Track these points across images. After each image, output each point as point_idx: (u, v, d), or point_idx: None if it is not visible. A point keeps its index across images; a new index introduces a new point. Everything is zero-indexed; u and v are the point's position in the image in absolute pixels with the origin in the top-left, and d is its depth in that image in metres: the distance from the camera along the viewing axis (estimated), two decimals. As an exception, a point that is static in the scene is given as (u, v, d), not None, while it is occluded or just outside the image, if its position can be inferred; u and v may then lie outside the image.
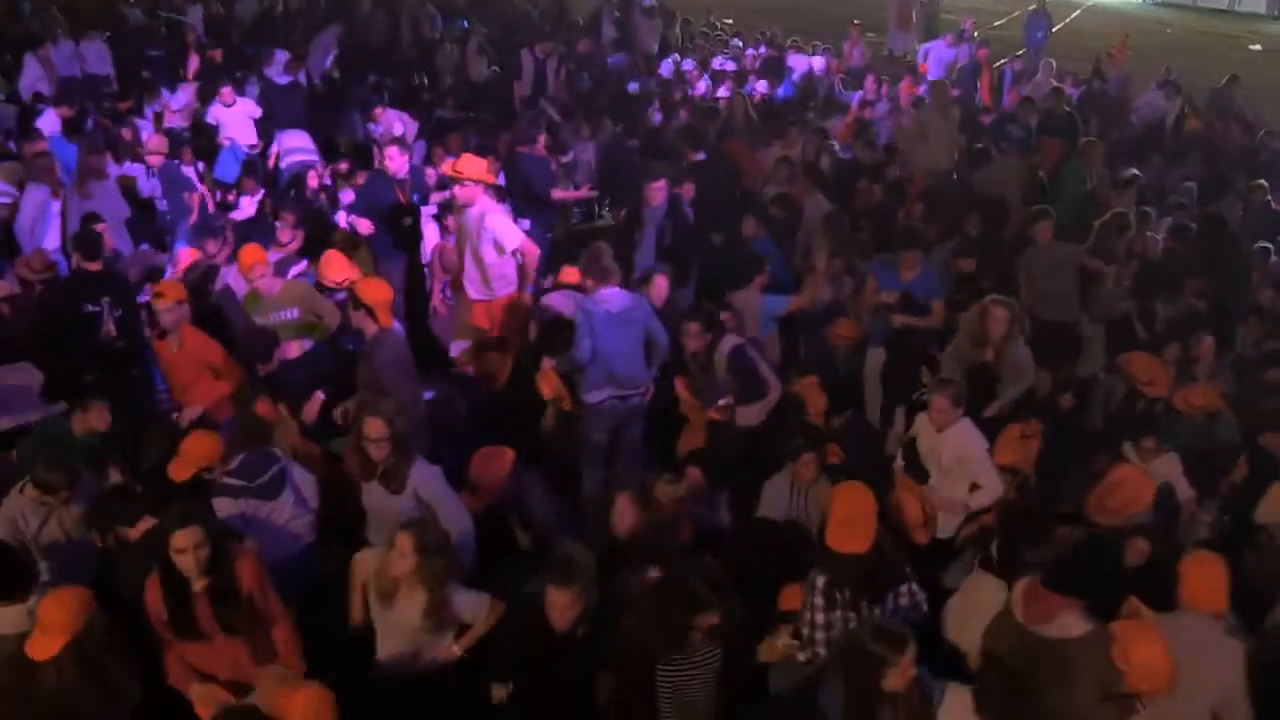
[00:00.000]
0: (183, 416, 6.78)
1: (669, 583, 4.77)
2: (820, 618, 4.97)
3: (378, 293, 6.64)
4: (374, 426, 5.48)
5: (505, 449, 6.28)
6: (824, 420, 7.03)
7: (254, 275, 7.49)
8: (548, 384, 7.20)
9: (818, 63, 16.61)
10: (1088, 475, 6.27)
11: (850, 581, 4.96)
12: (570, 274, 8.00)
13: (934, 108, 12.28)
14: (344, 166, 10.84)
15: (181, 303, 6.86)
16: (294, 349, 7.44)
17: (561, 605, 4.64)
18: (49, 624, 4.32)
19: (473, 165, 8.13)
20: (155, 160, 10.19)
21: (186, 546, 4.55)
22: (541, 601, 4.70)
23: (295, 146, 11.76)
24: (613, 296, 7.02)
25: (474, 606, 5.05)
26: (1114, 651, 4.54)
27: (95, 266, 7.70)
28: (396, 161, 8.89)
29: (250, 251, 7.63)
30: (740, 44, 18.21)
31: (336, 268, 7.81)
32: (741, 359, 7.25)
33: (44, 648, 4.31)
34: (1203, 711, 4.74)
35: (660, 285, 7.74)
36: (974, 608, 5.11)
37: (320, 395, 6.99)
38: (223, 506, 5.54)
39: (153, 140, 9.93)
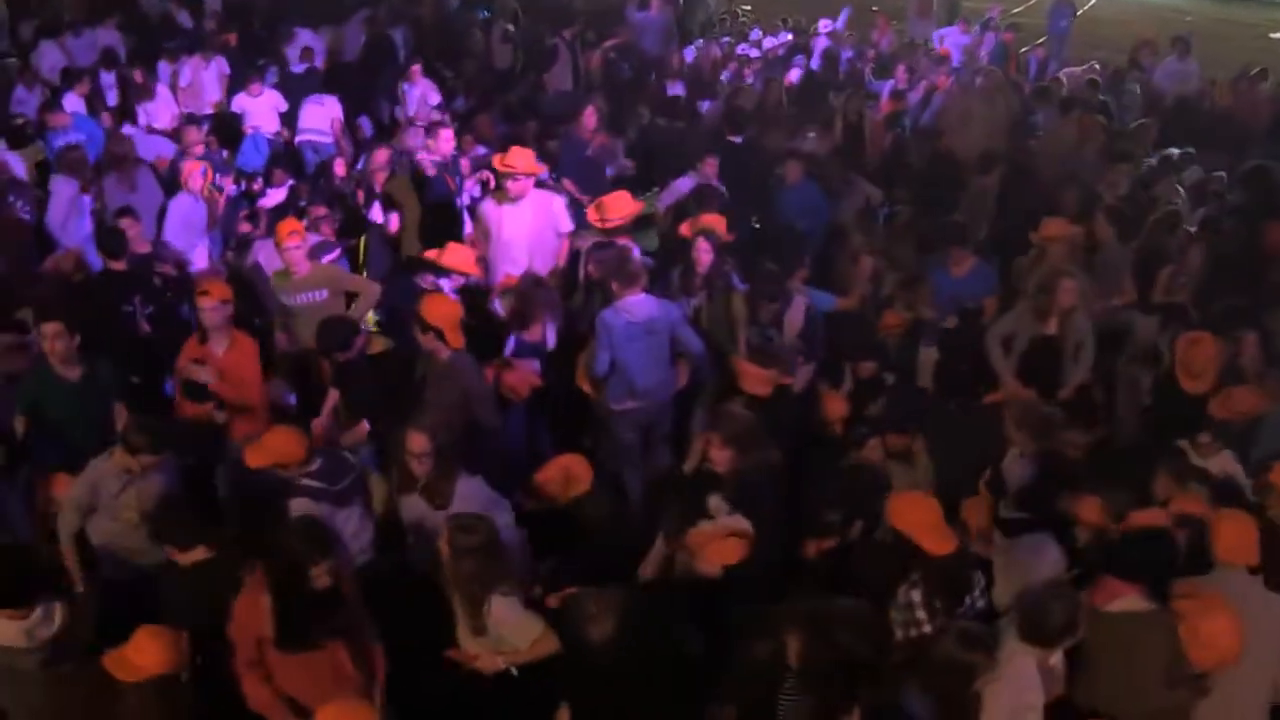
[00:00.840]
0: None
1: (817, 620, 4.55)
2: (928, 631, 4.87)
3: (445, 311, 6.40)
4: (417, 441, 5.37)
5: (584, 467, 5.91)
6: (843, 427, 6.74)
7: (287, 244, 7.22)
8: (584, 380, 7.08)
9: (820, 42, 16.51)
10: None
11: (944, 586, 4.92)
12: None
13: (980, 93, 12.10)
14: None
15: (227, 301, 6.57)
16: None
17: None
18: (143, 649, 4.30)
19: (524, 158, 8.00)
20: (198, 151, 10.00)
21: (322, 573, 4.54)
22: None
23: (309, 127, 11.77)
24: (636, 305, 6.81)
25: (517, 628, 4.82)
26: (1182, 628, 4.51)
27: (120, 265, 7.52)
28: (448, 144, 8.74)
29: (289, 223, 7.47)
30: (759, 34, 17.99)
31: (457, 257, 7.54)
32: (813, 319, 7.23)
33: (134, 671, 4.28)
34: (1265, 679, 4.74)
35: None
36: (1034, 575, 5.08)
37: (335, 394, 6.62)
38: (299, 508, 5.35)
39: (190, 132, 9.74)
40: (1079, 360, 7.30)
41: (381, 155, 9.88)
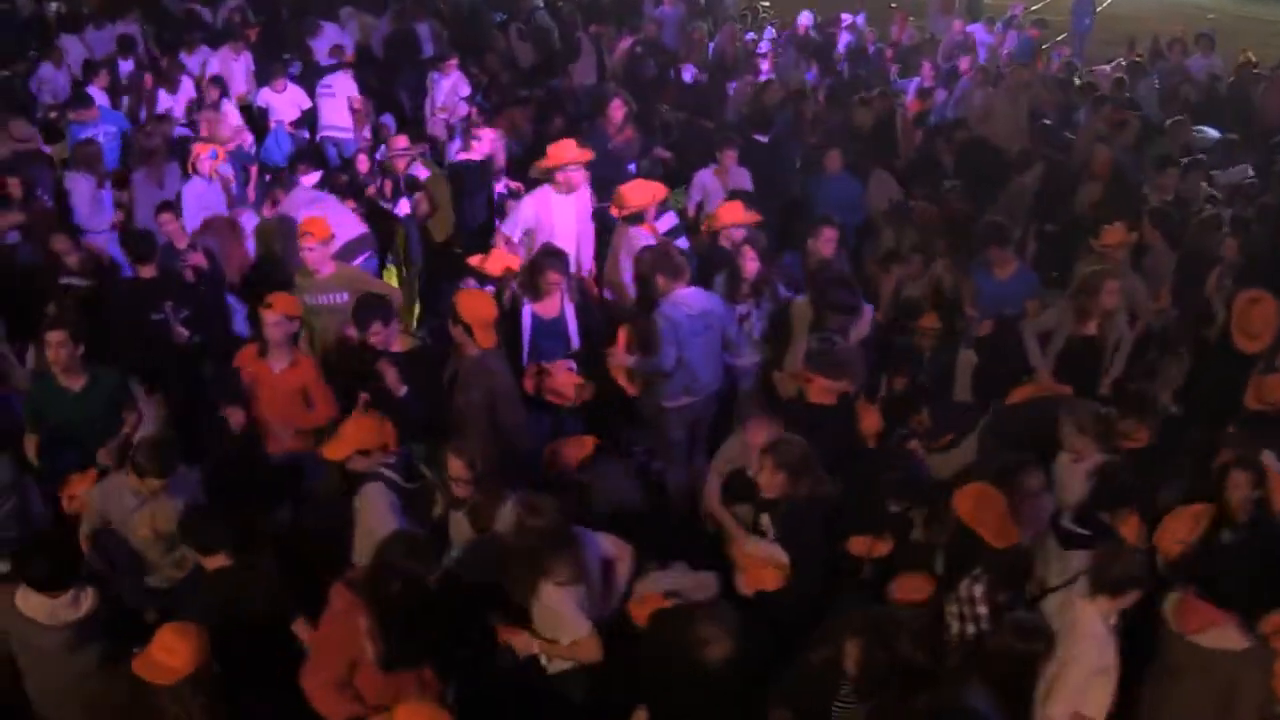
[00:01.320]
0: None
1: (875, 627, 4.57)
2: (987, 627, 4.87)
3: (480, 308, 6.30)
4: (456, 467, 5.30)
5: (585, 439, 6.06)
6: (877, 441, 6.57)
7: (306, 244, 7.09)
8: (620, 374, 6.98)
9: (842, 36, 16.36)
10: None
11: (1008, 580, 4.95)
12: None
13: (1004, 91, 11.98)
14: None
15: (292, 317, 6.39)
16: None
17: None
18: (172, 649, 4.25)
19: (572, 149, 8.00)
20: (232, 146, 9.92)
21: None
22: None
23: (330, 123, 11.69)
24: (691, 297, 6.76)
25: (563, 622, 4.80)
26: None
27: (149, 271, 7.40)
28: (490, 144, 8.93)
29: (309, 222, 7.30)
30: (774, 32, 17.83)
31: (502, 263, 7.40)
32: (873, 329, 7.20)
33: (167, 673, 4.22)
34: None
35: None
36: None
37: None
38: (372, 492, 5.29)
39: (224, 129, 9.65)
40: (1115, 360, 7.29)
41: (400, 141, 9.77)
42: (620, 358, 6.99)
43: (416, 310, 9.08)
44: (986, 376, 7.66)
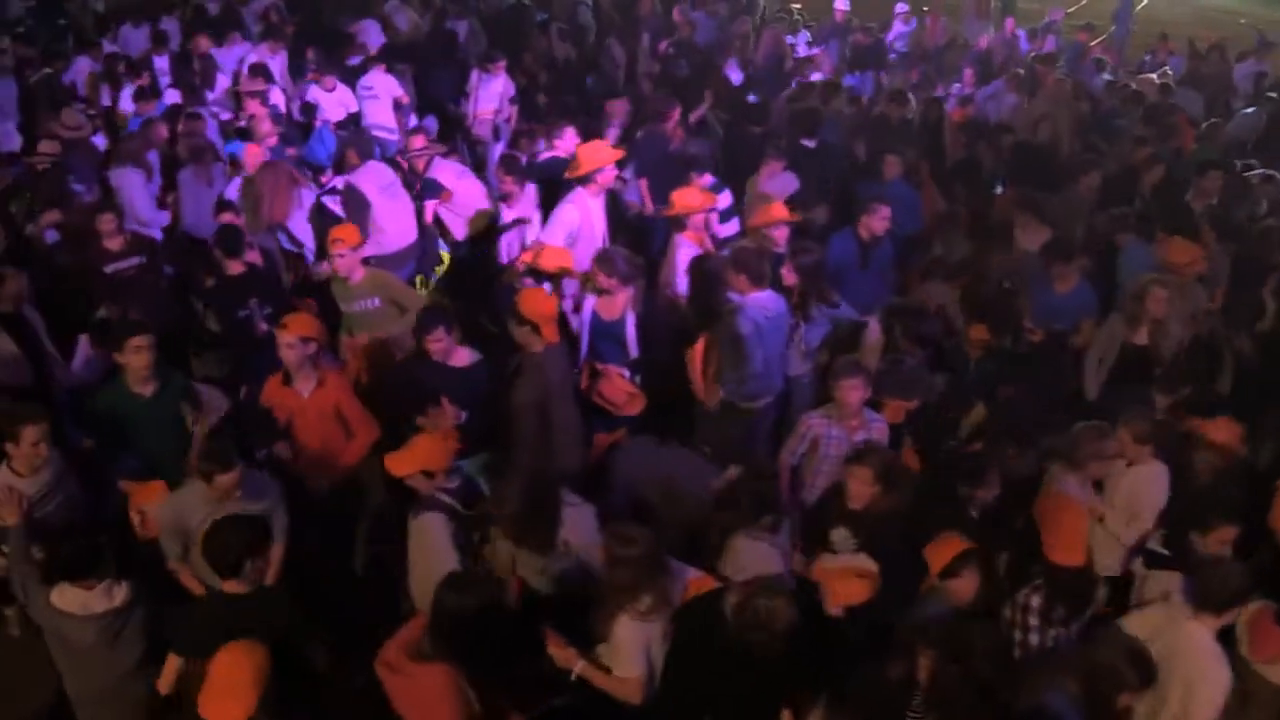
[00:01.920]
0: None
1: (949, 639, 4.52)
2: (1034, 638, 4.93)
3: (543, 305, 6.24)
4: (498, 501, 5.15)
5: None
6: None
7: (336, 251, 6.99)
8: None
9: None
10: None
11: (1068, 597, 4.93)
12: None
13: (1051, 98, 11.86)
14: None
15: (308, 339, 6.08)
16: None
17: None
18: (235, 683, 4.09)
19: (606, 151, 8.00)
20: (272, 142, 9.81)
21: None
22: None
23: (374, 123, 11.55)
24: (768, 301, 6.76)
25: (621, 655, 4.70)
26: None
27: (239, 267, 7.36)
28: (572, 142, 8.81)
29: (339, 229, 7.21)
30: (809, 36, 17.68)
31: (556, 259, 7.34)
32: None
33: (232, 713, 4.07)
34: None
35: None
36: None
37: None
38: (431, 523, 5.11)
39: (264, 124, 9.57)
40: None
41: (417, 141, 9.63)
42: (699, 361, 6.98)
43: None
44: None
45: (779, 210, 7.79)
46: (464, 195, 9.19)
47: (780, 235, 7.60)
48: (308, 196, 9.05)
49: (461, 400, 6.09)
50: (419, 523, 5.15)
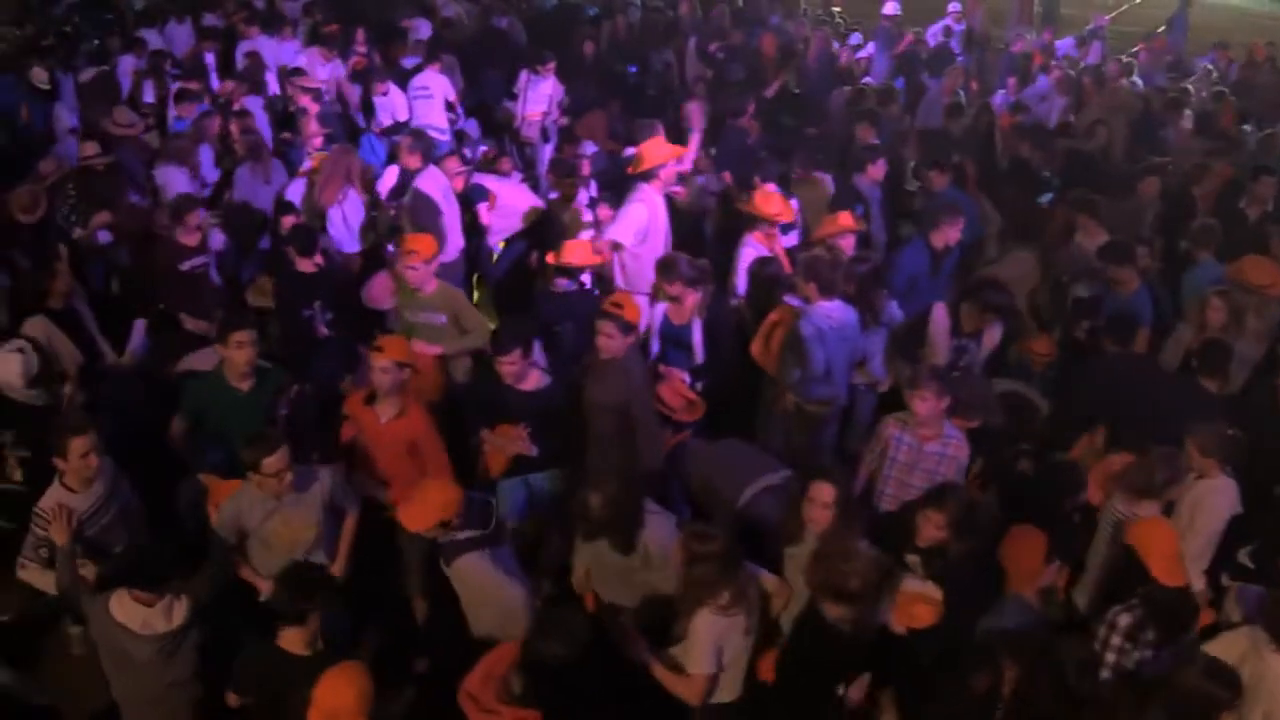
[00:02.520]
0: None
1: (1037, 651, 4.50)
2: (1114, 657, 4.83)
3: (631, 307, 6.19)
4: (594, 500, 5.06)
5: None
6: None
7: (408, 263, 6.87)
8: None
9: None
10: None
11: (1163, 619, 4.83)
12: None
13: (1107, 104, 11.72)
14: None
15: (404, 365, 5.93)
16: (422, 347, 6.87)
17: None
18: (341, 710, 4.04)
19: (669, 147, 8.00)
20: (317, 143, 9.78)
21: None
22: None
23: (425, 124, 11.33)
24: (835, 310, 6.71)
25: (694, 650, 4.68)
26: None
27: (309, 266, 7.32)
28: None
29: (412, 239, 7.07)
30: (860, 39, 17.53)
31: (578, 253, 7.26)
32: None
33: None
34: None
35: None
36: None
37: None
38: (474, 565, 4.99)
39: (311, 124, 9.53)
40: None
41: (453, 164, 9.18)
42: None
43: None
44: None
45: (846, 219, 7.74)
46: (507, 198, 9.14)
47: (848, 244, 7.57)
48: (354, 197, 8.92)
49: (532, 424, 5.99)
50: (457, 570, 5.05)
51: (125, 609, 4.69)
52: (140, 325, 7.57)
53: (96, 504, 5.32)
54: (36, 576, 5.30)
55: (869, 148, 9.63)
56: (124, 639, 4.71)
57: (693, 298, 6.91)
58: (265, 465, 5.09)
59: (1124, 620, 4.86)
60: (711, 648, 4.66)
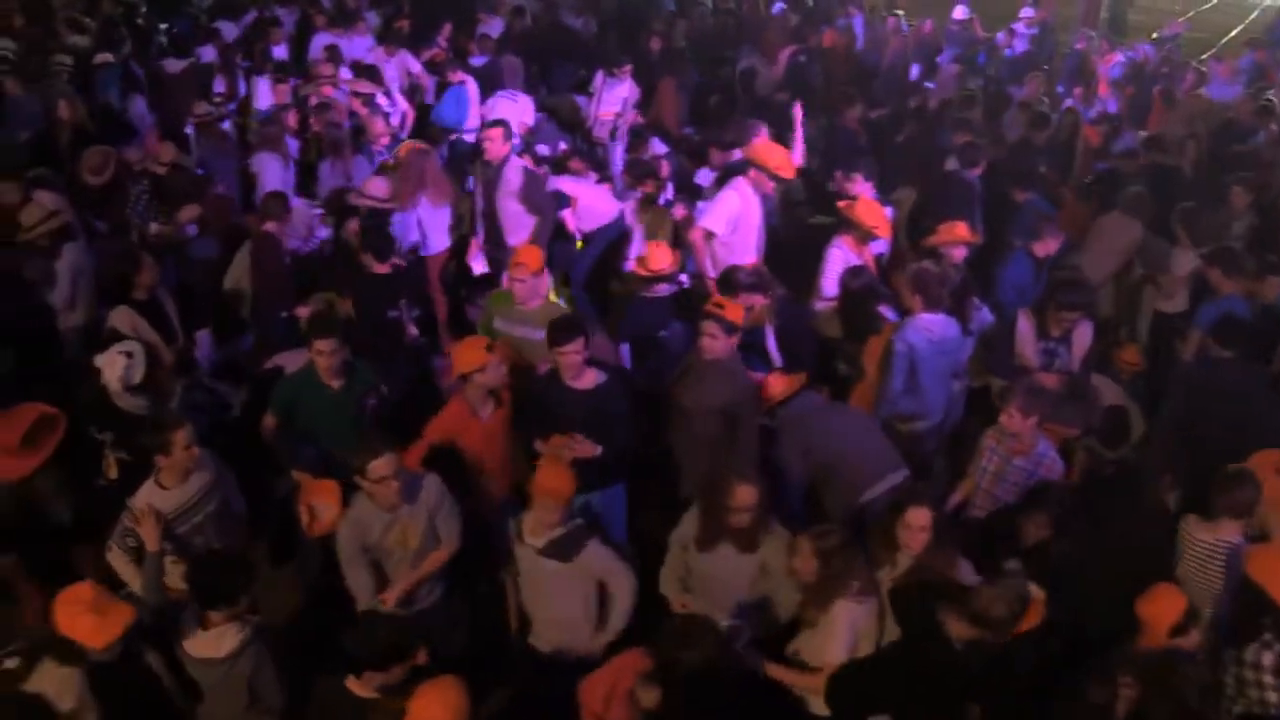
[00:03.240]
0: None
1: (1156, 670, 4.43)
2: (1276, 696, 4.74)
3: (736, 309, 6.13)
4: (745, 494, 4.98)
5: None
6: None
7: (516, 275, 6.63)
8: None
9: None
10: None
11: None
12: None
13: (1188, 117, 11.52)
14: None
15: (500, 364, 5.90)
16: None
17: None
18: None
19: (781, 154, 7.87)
20: (384, 143, 9.77)
21: None
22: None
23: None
24: (936, 324, 6.59)
25: (834, 639, 4.74)
26: None
27: (385, 268, 7.30)
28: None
29: (523, 251, 6.91)
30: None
31: (660, 256, 7.17)
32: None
33: None
34: None
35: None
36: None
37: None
38: (599, 550, 5.07)
39: (377, 125, 9.51)
40: None
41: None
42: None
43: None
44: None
45: (963, 230, 7.62)
46: (586, 201, 9.09)
47: (959, 255, 7.45)
48: (435, 198, 8.80)
49: (587, 425, 5.82)
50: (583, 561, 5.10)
51: (188, 624, 4.65)
52: (205, 336, 7.64)
53: (188, 502, 5.33)
54: (121, 564, 5.28)
55: (971, 146, 9.58)
56: (184, 659, 4.64)
57: (759, 302, 6.83)
58: (371, 470, 5.00)
59: (1267, 658, 4.76)
60: (849, 636, 4.74)
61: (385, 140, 9.86)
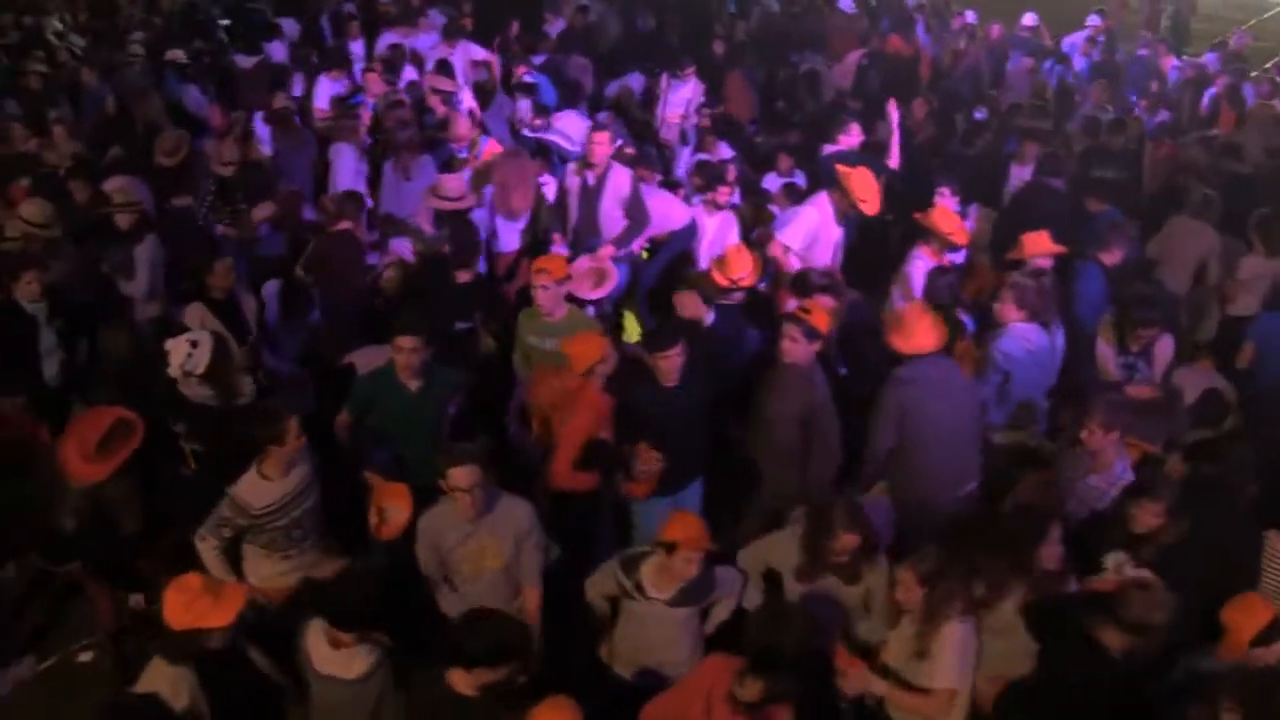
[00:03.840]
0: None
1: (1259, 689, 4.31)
2: None
3: (824, 318, 6.07)
4: (849, 541, 4.92)
5: None
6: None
7: (538, 282, 6.52)
8: None
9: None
10: None
11: None
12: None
13: (1263, 127, 11.34)
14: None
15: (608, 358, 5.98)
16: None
17: None
18: None
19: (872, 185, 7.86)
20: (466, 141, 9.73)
21: None
22: None
23: (562, 128, 10.95)
24: (1032, 333, 6.58)
25: (949, 662, 4.63)
26: None
27: (467, 276, 7.26)
28: (855, 137, 8.78)
29: (543, 259, 6.83)
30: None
31: (740, 263, 7.06)
32: None
33: None
34: None
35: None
36: None
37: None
38: None
39: (462, 125, 9.52)
40: None
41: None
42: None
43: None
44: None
45: (1048, 241, 7.53)
46: (657, 212, 8.91)
47: (1045, 265, 7.38)
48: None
49: (678, 423, 5.92)
50: None
51: (315, 639, 4.60)
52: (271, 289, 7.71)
53: (289, 495, 5.33)
54: (210, 555, 5.29)
55: (1054, 155, 9.53)
56: (306, 672, 4.63)
57: (830, 305, 6.75)
58: (451, 477, 4.92)
59: None
60: (963, 657, 4.65)
61: (468, 139, 9.81)
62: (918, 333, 5.95)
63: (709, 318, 6.72)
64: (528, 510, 5.22)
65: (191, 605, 4.24)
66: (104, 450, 5.37)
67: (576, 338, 6.07)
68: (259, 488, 5.25)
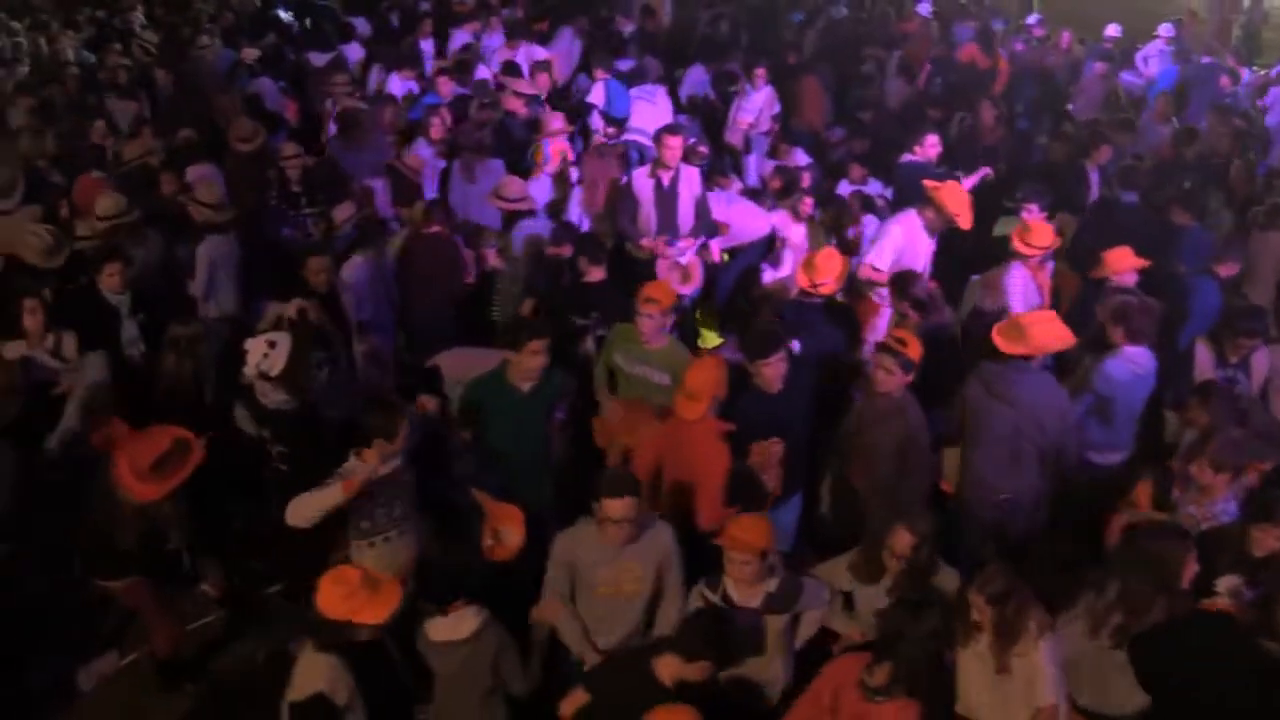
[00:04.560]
0: None
1: None
2: None
3: (916, 345, 5.89)
4: (903, 541, 4.95)
5: None
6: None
7: (643, 310, 6.23)
8: None
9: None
10: None
11: None
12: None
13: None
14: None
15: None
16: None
17: None
18: None
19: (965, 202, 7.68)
20: (559, 144, 9.65)
21: None
22: None
23: (638, 126, 10.89)
24: (1140, 356, 6.43)
25: (1040, 687, 4.52)
26: None
27: (600, 274, 7.17)
28: (933, 148, 8.67)
29: (655, 286, 6.49)
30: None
31: (828, 267, 6.89)
32: None
33: None
34: None
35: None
36: None
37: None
38: None
39: (555, 120, 9.45)
40: None
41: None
42: None
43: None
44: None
45: (1133, 257, 7.35)
46: (739, 222, 8.85)
47: (1131, 280, 7.23)
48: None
49: (785, 427, 5.86)
50: None
51: (438, 628, 4.76)
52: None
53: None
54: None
55: (1132, 169, 9.41)
56: (424, 648, 4.78)
57: (914, 318, 6.77)
58: (606, 506, 4.76)
59: None
60: (1058, 670, 4.55)
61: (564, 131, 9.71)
62: (1028, 338, 5.94)
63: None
64: (671, 534, 5.08)
65: (349, 598, 4.30)
66: (160, 470, 5.25)
67: (699, 364, 5.79)
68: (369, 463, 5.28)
